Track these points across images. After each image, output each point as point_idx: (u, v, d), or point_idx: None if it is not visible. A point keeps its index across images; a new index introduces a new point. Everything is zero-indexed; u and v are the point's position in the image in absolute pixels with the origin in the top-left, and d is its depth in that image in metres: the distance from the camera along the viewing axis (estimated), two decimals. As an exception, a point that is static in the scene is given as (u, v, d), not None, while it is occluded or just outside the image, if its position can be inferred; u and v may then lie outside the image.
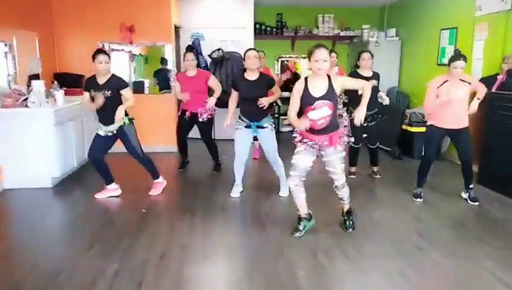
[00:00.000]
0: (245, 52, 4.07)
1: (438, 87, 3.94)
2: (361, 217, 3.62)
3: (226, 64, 6.83)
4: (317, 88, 3.08)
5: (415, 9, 6.74)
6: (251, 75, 4.04)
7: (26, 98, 4.38)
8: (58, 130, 4.50)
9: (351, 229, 3.41)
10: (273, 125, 4.17)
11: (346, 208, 3.48)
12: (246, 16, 6.82)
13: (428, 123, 4.14)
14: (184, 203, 4.16)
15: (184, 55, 4.89)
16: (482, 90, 3.96)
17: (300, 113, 3.19)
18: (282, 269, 2.81)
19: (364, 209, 3.85)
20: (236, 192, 4.30)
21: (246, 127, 4.08)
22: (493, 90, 4.56)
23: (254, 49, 4.14)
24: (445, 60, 5.85)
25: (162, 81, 6.43)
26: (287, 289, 2.58)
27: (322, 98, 3.05)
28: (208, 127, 5.04)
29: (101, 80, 3.92)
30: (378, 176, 4.99)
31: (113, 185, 4.26)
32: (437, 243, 3.22)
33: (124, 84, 4.04)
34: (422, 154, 4.35)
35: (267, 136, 4.11)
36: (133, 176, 4.71)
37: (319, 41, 7.86)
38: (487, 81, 4.73)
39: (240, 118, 4.13)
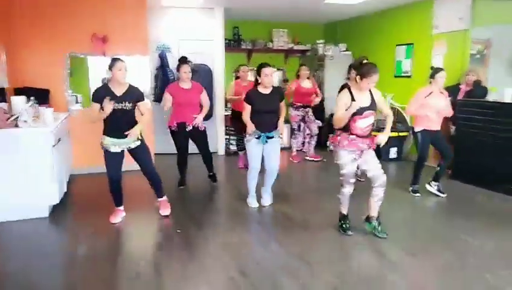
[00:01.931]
0: (259, 68, 4.10)
1: (425, 97, 4.51)
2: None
3: (194, 77, 6.71)
4: (363, 99, 3.35)
5: (366, 26, 7.46)
6: (264, 89, 4.12)
7: (17, 117, 3.82)
8: (55, 152, 4.00)
9: (385, 235, 3.48)
10: (281, 138, 4.28)
11: (377, 211, 3.53)
12: (215, 28, 6.81)
13: (420, 129, 4.65)
14: (205, 218, 4.05)
15: (179, 67, 4.74)
16: (449, 112, 4.65)
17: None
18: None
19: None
20: (255, 202, 4.32)
21: (256, 138, 4.11)
22: (459, 98, 5.32)
23: (268, 64, 4.11)
24: (402, 72, 6.64)
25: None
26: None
27: (368, 108, 3.35)
28: (205, 135, 4.93)
29: (118, 91, 3.60)
30: (362, 180, 5.35)
31: (122, 207, 3.94)
32: (467, 231, 3.67)
33: (143, 96, 3.80)
34: (419, 155, 4.82)
35: (275, 146, 4.20)
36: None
37: (270, 54, 8.26)
38: (450, 90, 5.50)
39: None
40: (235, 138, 6.34)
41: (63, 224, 3.92)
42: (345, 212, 3.63)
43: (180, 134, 4.79)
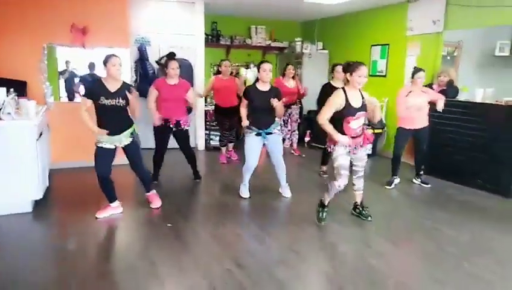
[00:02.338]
0: (259, 64, 4.26)
1: (406, 96, 4.75)
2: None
3: (175, 71, 6.69)
4: (356, 100, 3.52)
5: (343, 26, 7.65)
6: (263, 86, 4.24)
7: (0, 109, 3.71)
8: (39, 146, 3.90)
9: (369, 218, 3.85)
10: (280, 130, 4.43)
11: (360, 199, 3.92)
12: (196, 23, 6.79)
13: (397, 126, 4.94)
14: (193, 212, 4.10)
15: (167, 63, 4.71)
16: (441, 96, 4.92)
17: (338, 122, 3.53)
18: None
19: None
20: (247, 192, 4.44)
21: (256, 135, 4.24)
22: (432, 97, 5.60)
23: (267, 61, 4.30)
24: (377, 72, 6.88)
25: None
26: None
27: (360, 109, 3.51)
28: (187, 136, 4.94)
29: (112, 87, 3.59)
30: (325, 176, 5.40)
31: (116, 203, 3.92)
32: (442, 222, 3.91)
33: (131, 87, 3.79)
34: (393, 152, 5.08)
35: (277, 141, 4.35)
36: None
37: (249, 51, 8.32)
38: (423, 89, 5.78)
39: (249, 126, 4.27)
40: (219, 133, 6.36)
41: (47, 219, 3.84)
42: (326, 202, 3.77)
43: (162, 130, 4.75)
